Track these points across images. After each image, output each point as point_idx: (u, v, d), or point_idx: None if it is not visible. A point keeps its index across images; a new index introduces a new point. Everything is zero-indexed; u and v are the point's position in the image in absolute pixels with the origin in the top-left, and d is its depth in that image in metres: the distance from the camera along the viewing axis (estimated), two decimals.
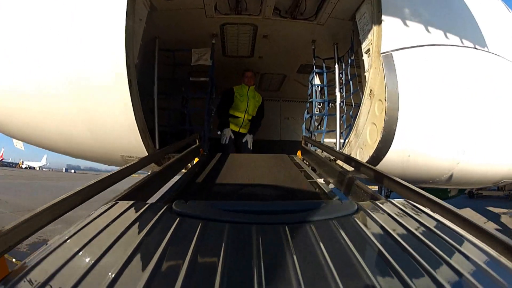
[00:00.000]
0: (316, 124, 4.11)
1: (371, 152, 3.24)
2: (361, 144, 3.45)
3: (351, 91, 3.81)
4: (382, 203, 0.73)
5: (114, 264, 0.44)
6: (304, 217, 0.60)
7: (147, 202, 0.73)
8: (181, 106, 4.31)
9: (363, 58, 3.54)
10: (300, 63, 4.80)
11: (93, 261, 0.45)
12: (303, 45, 4.28)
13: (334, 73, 4.07)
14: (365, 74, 3.47)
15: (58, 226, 1.29)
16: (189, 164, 3.06)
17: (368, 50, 3.45)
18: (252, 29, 3.96)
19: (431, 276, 0.42)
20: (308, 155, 3.24)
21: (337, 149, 3.92)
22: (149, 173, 1.85)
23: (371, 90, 3.31)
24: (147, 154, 3.12)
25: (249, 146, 4.42)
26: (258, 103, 4.47)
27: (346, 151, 3.66)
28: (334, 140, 4.22)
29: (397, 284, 0.41)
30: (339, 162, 3.49)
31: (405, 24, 3.29)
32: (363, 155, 3.42)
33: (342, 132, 4.00)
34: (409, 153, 3.31)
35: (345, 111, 3.96)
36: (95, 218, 0.61)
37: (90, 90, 2.71)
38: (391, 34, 3.24)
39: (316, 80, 4.07)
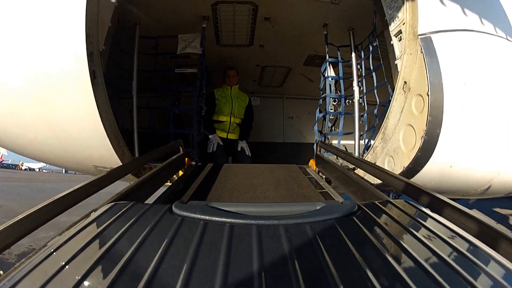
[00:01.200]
0: (330, 124, 3.37)
1: (406, 162, 2.53)
2: (390, 151, 2.73)
3: (375, 85, 3.09)
4: (382, 203, 0.71)
5: (114, 264, 0.44)
6: (305, 218, 0.59)
7: (147, 202, 0.71)
8: (171, 104, 3.64)
9: (391, 42, 2.82)
10: (308, 54, 4.07)
11: (93, 262, 0.44)
12: (313, 30, 3.55)
13: (351, 64, 3.35)
14: (396, 62, 2.75)
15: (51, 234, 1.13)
16: (175, 176, 2.37)
17: (399, 32, 2.73)
18: (251, 9, 3.22)
19: (431, 276, 0.41)
20: (325, 167, 2.52)
21: (356, 155, 3.19)
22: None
23: (405, 82, 2.59)
24: (122, 164, 2.51)
25: (247, 153, 3.72)
26: (245, 103, 3.91)
27: (369, 159, 2.94)
28: (345, 142, 3.57)
29: (397, 284, 0.40)
30: (359, 171, 2.79)
31: (441, 1, 2.59)
32: (393, 166, 2.71)
33: (361, 135, 3.28)
34: (451, 163, 2.60)
35: (366, 109, 3.24)
36: (95, 219, 0.60)
37: (52, 89, 2.19)
38: (428, 12, 2.53)
39: (330, 72, 3.34)
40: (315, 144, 3.33)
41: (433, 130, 2.36)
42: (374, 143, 2.91)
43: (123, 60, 3.27)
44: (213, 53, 3.92)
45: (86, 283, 0.40)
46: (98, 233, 0.54)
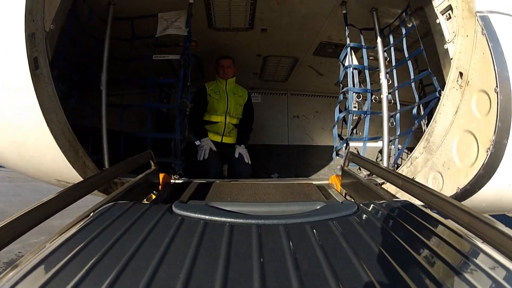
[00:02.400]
0: (351, 126, 2.69)
1: (462, 181, 1.88)
2: (437, 166, 2.06)
3: (412, 76, 2.41)
4: (382, 203, 0.68)
5: (115, 264, 0.44)
6: (305, 217, 0.58)
7: (147, 202, 0.74)
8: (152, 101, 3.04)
9: (436, 21, 2.14)
10: (320, 41, 3.37)
11: (93, 262, 0.44)
12: (327, 10, 2.85)
13: (377, 51, 2.67)
14: (446, 46, 2.07)
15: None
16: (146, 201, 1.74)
17: (448, 8, 2.07)
18: None
19: (431, 276, 0.41)
20: (358, 190, 1.84)
21: (384, 166, 2.51)
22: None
23: (460, 73, 1.91)
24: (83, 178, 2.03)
25: (246, 160, 3.04)
26: (243, 100, 3.25)
27: (405, 172, 2.28)
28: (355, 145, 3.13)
29: (397, 284, 0.40)
30: (388, 187, 2.12)
31: None
32: (441, 185, 2.05)
33: (391, 141, 2.60)
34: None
35: (398, 107, 2.57)
36: (95, 219, 0.60)
37: None
38: None
39: (352, 60, 2.64)
40: (334, 153, 2.65)
41: (501, 140, 1.70)
42: (413, 153, 2.24)
43: (90, 47, 2.58)
44: (204, 39, 3.22)
45: (86, 283, 0.39)
46: (98, 233, 0.53)
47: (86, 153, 2.15)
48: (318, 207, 0.66)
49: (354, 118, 2.60)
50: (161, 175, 1.75)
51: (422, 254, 0.48)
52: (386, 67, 2.62)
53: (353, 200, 1.35)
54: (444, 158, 2.01)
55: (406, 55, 2.41)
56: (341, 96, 2.63)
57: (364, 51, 2.65)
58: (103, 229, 0.57)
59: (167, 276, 0.42)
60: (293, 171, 4.26)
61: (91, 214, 0.66)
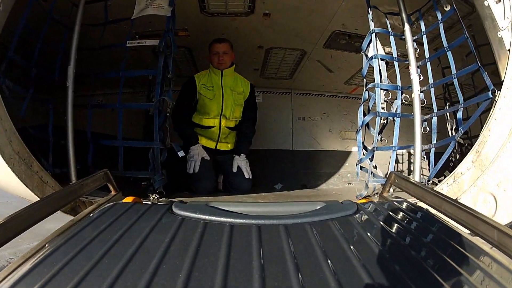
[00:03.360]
0: (374, 131, 2.20)
1: None
2: (490, 185, 1.61)
3: (453, 71, 1.92)
4: (382, 203, 0.66)
5: (115, 264, 0.43)
6: (305, 218, 0.58)
7: (147, 202, 0.68)
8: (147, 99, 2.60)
9: (485, 3, 1.66)
10: (333, 30, 2.87)
11: (93, 262, 0.43)
12: None
13: (405, 40, 2.17)
14: (500, 34, 1.59)
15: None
16: None
17: None
18: None
19: (432, 276, 0.40)
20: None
21: (416, 180, 2.01)
22: None
23: None
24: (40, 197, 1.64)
25: (246, 175, 2.52)
26: (243, 98, 2.61)
27: (446, 191, 1.79)
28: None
29: (397, 284, 0.39)
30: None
31: None
32: (493, 209, 1.59)
33: (424, 153, 2.11)
34: None
35: (435, 110, 2.08)
36: (95, 219, 0.59)
37: None
38: None
39: (377, 48, 2.14)
40: (357, 166, 2.15)
41: None
42: (458, 168, 1.75)
43: (55, 34, 2.10)
44: (196, 26, 2.72)
45: (86, 283, 0.38)
46: (99, 233, 0.52)
47: (45, 166, 1.77)
48: (318, 207, 0.63)
49: (382, 121, 2.09)
50: (129, 199, 1.26)
51: (422, 254, 0.46)
52: (416, 59, 2.11)
53: None
54: (499, 177, 1.54)
55: (445, 44, 1.92)
56: (365, 94, 2.13)
57: (392, 38, 2.15)
58: (103, 229, 0.55)
59: (167, 276, 0.41)
60: (299, 180, 3.78)
61: (91, 214, 0.63)
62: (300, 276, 0.41)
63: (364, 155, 2.10)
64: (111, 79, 2.19)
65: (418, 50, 2.15)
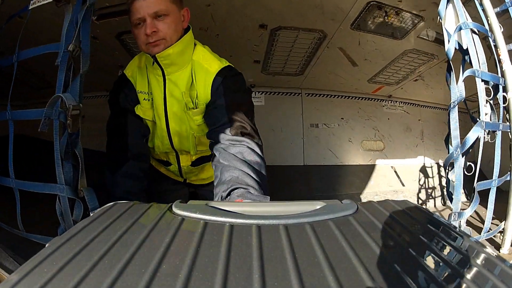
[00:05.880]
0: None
1: None
2: None
3: None
4: (382, 203, 0.64)
5: (115, 264, 0.40)
6: (305, 217, 0.54)
7: (146, 203, 0.65)
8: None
9: None
10: (367, 1, 2.00)
11: (93, 262, 0.40)
12: None
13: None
14: None
15: None
16: None
17: None
18: None
19: (432, 276, 0.39)
20: None
21: None
22: None
23: None
24: None
25: None
26: (204, 97, 1.10)
27: None
28: None
29: (397, 284, 0.37)
30: None
31: None
32: None
33: None
34: None
35: None
36: (95, 219, 0.54)
37: None
38: None
39: (466, 16, 1.23)
40: (451, 200, 1.28)
41: None
42: None
43: None
44: None
45: (86, 283, 0.36)
46: (98, 233, 0.49)
47: None
48: (318, 207, 0.58)
49: (484, 137, 1.19)
50: None
51: (422, 254, 0.44)
52: None
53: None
54: None
55: None
56: (456, 91, 1.21)
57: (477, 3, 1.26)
58: (103, 229, 0.50)
59: (167, 276, 0.37)
60: None
61: (91, 214, 0.57)
62: (300, 276, 0.37)
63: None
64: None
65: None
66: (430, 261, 0.42)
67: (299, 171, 3.26)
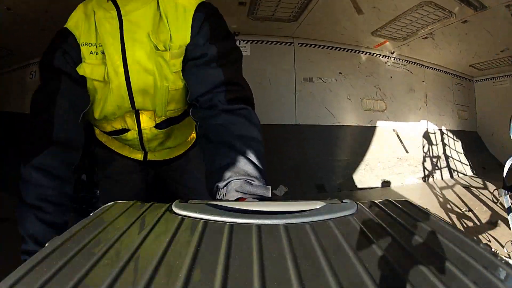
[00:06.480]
0: None
1: None
2: None
3: None
4: (382, 203, 0.59)
5: (114, 264, 0.39)
6: (305, 217, 0.52)
7: (146, 203, 0.61)
8: None
9: None
10: None
11: (93, 261, 0.39)
12: None
13: None
14: None
15: None
16: None
17: None
18: None
19: (432, 277, 0.36)
20: None
21: None
22: None
23: None
24: None
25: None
26: (182, 41, 0.85)
27: None
28: None
29: (397, 284, 0.36)
30: None
31: None
32: None
33: None
34: None
35: None
36: (95, 218, 0.53)
37: None
38: None
39: None
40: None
41: None
42: None
43: None
44: None
45: (86, 282, 0.35)
46: (98, 232, 0.48)
47: None
48: (318, 207, 0.55)
49: None
50: None
51: (423, 255, 0.41)
52: None
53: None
54: None
55: None
56: None
57: None
58: (103, 229, 0.50)
59: (167, 276, 0.37)
60: (310, 177, 2.65)
61: (91, 214, 0.55)
62: (300, 276, 0.37)
63: None
64: None
65: None
66: (431, 262, 0.39)
67: (291, 131, 2.96)
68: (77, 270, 0.36)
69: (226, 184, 0.72)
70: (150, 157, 1.10)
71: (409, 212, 0.56)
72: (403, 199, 0.61)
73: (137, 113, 0.94)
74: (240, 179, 0.72)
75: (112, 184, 1.16)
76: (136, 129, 0.97)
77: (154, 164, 1.14)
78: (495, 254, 0.41)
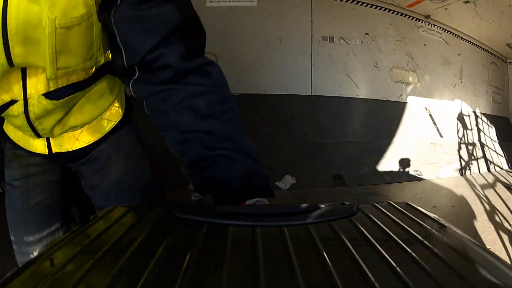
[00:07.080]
0: None
1: None
2: None
3: None
4: (382, 205, 0.58)
5: (113, 267, 0.39)
6: (305, 219, 0.52)
7: (146, 206, 0.61)
8: None
9: None
10: None
11: (92, 263, 0.39)
12: None
13: None
14: None
15: None
16: None
17: None
18: None
19: (431, 277, 0.35)
20: None
21: None
22: None
23: None
24: None
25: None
26: None
27: None
28: None
29: (397, 285, 0.34)
30: None
31: None
32: None
33: None
34: None
35: None
36: (94, 222, 0.52)
37: None
38: None
39: None
40: None
41: None
42: None
43: None
44: None
45: (84, 285, 0.36)
46: (98, 235, 0.48)
47: None
48: (318, 209, 0.55)
49: None
50: None
51: (424, 257, 0.40)
52: None
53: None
54: None
55: None
56: None
57: None
58: (102, 232, 0.49)
59: (167, 279, 0.37)
60: (326, 164, 2.19)
61: (91, 217, 0.56)
62: (300, 278, 0.36)
63: None
64: None
65: None
66: (431, 264, 0.38)
67: (304, 104, 2.47)
68: (76, 272, 0.37)
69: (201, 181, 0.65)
70: (55, 148, 0.81)
71: (410, 214, 0.54)
72: (402, 200, 0.58)
73: (24, 75, 0.67)
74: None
75: (11, 193, 0.89)
76: (22, 100, 0.68)
77: (64, 158, 0.84)
78: (497, 257, 0.38)
